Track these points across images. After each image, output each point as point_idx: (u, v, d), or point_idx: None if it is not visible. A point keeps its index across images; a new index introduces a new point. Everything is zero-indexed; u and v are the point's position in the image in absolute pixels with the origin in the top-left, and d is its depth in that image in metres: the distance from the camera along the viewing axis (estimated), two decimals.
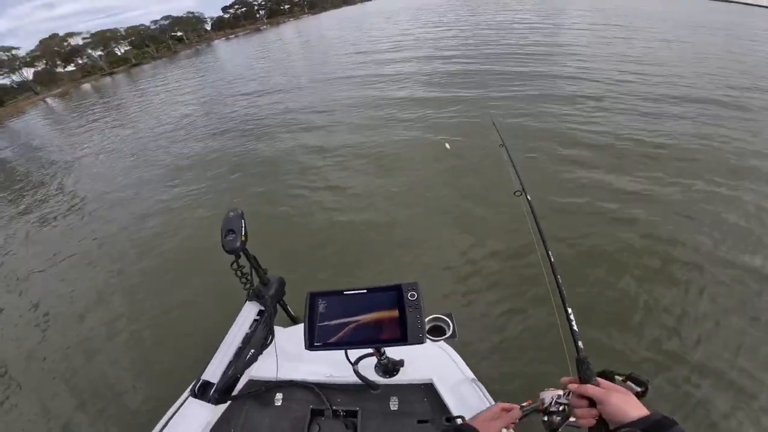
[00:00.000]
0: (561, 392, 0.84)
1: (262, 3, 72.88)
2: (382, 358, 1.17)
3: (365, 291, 1.01)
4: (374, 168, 5.58)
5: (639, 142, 5.27)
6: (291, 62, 17.81)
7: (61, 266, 4.82)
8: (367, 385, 1.19)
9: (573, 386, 0.79)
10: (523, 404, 0.91)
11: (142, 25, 54.33)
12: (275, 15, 71.02)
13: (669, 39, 11.54)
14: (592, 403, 0.74)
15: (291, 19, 66.02)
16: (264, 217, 4.68)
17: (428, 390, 1.25)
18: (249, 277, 1.34)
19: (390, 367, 1.22)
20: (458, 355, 1.37)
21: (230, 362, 1.30)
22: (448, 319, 1.40)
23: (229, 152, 7.35)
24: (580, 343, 0.88)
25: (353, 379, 1.18)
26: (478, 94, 7.96)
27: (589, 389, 0.75)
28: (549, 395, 0.85)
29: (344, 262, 3.68)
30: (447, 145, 5.57)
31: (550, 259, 1.12)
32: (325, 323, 0.99)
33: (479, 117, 6.64)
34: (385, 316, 0.98)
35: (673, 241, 3.43)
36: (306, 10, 74.96)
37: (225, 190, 5.84)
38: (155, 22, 56.05)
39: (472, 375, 1.29)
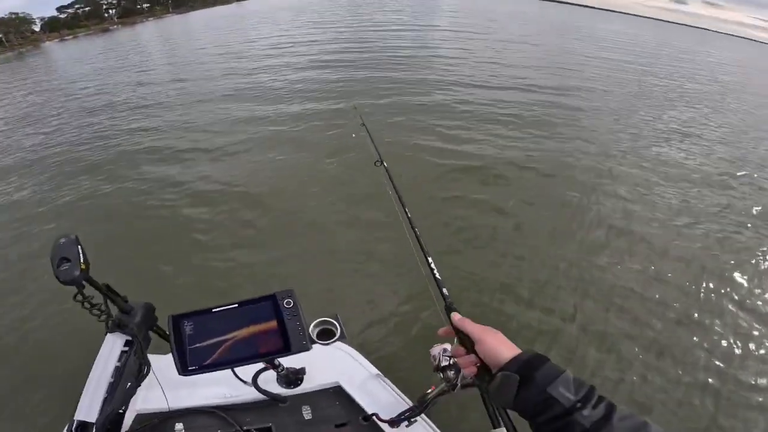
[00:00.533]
0: (448, 345, 0.89)
1: (113, 2, 63.29)
2: (280, 370, 1.15)
3: (236, 305, 0.97)
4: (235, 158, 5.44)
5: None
6: (144, 70, 14.72)
7: None
8: (273, 399, 1.19)
9: (446, 329, 0.79)
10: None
11: None
12: (130, 14, 61.74)
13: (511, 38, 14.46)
14: (469, 351, 0.72)
15: (151, 19, 57.68)
16: (111, 241, 3.97)
17: (338, 393, 1.27)
18: (102, 308, 1.13)
19: (292, 377, 1.22)
20: (358, 353, 1.39)
21: (105, 398, 1.09)
22: (334, 321, 1.44)
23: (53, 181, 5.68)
24: (445, 290, 0.89)
25: (256, 395, 1.18)
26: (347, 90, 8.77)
27: (466, 323, 0.75)
28: (437, 350, 0.94)
29: (214, 272, 3.42)
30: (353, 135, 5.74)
31: (407, 215, 1.20)
32: (197, 345, 0.94)
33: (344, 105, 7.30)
34: (262, 329, 0.96)
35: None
36: (170, 9, 66.77)
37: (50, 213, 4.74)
38: None
39: (376, 371, 1.33)
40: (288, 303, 0.97)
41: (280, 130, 6.47)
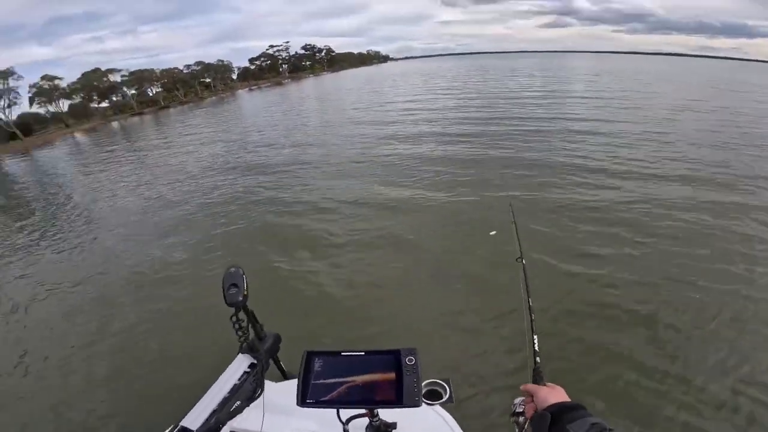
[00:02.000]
0: (523, 397, 1.01)
1: (286, 58, 79.10)
2: (375, 420, 1.17)
3: (363, 353, 1.05)
4: (377, 221, 6.48)
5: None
6: (308, 121, 19.75)
7: (62, 296, 5.50)
8: None
9: (522, 387, 0.99)
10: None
11: (176, 68, 58.35)
12: (297, 71, 77.32)
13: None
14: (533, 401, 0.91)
15: (311, 76, 72.29)
16: (264, 274, 5.19)
17: None
18: (245, 331, 1.40)
19: (382, 429, 1.21)
20: (454, 420, 1.39)
21: (213, 411, 1.31)
22: (445, 384, 1.35)
23: (235, 211, 8.11)
24: (537, 359, 1.12)
25: None
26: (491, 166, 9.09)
27: (529, 386, 0.96)
28: (517, 400, 1.04)
29: (341, 323, 4.15)
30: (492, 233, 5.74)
31: (531, 316, 1.30)
32: (320, 381, 1.02)
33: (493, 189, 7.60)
34: (380, 378, 1.01)
35: None
36: (326, 68, 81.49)
37: (229, 246, 6.46)
38: (188, 66, 60.42)
39: None
40: (410, 360, 1.02)
41: (427, 207, 7.10)
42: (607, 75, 34.47)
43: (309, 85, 48.54)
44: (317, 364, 1.06)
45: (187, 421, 1.29)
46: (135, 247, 6.96)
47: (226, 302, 1.29)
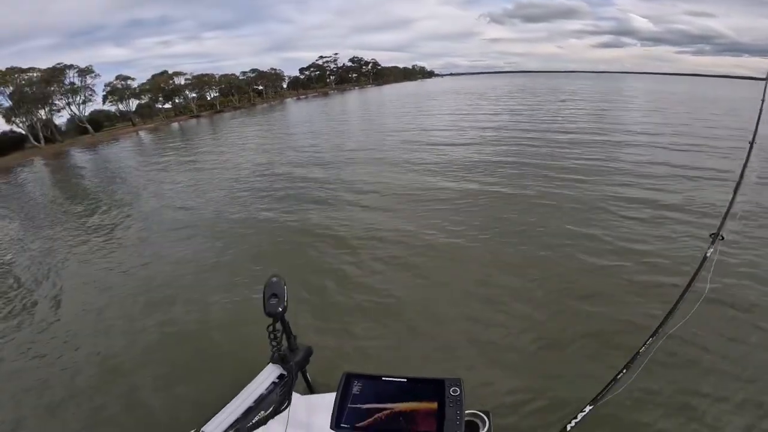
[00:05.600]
0: None
1: (334, 69, 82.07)
2: None
3: (405, 380, 1.02)
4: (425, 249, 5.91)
5: None
6: (351, 135, 20.23)
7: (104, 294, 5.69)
8: None
9: None
10: None
11: (233, 74, 61.46)
12: (343, 82, 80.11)
13: None
14: None
15: (356, 88, 74.77)
16: (304, 286, 5.03)
17: None
18: (279, 341, 1.37)
19: None
20: None
21: (236, 420, 1.30)
22: (485, 416, 1.31)
23: (280, 223, 7.98)
24: None
25: None
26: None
27: None
28: None
29: (378, 343, 3.93)
30: None
31: None
32: (357, 405, 0.99)
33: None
34: (422, 407, 0.98)
35: None
36: (371, 81, 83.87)
37: (265, 255, 6.43)
38: (244, 73, 63.64)
39: None
40: (454, 391, 0.99)
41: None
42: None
43: (351, 98, 50.23)
44: (356, 387, 1.03)
45: (209, 428, 1.28)
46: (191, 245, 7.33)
47: (265, 311, 1.29)
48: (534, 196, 7.96)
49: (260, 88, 64.43)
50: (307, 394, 1.66)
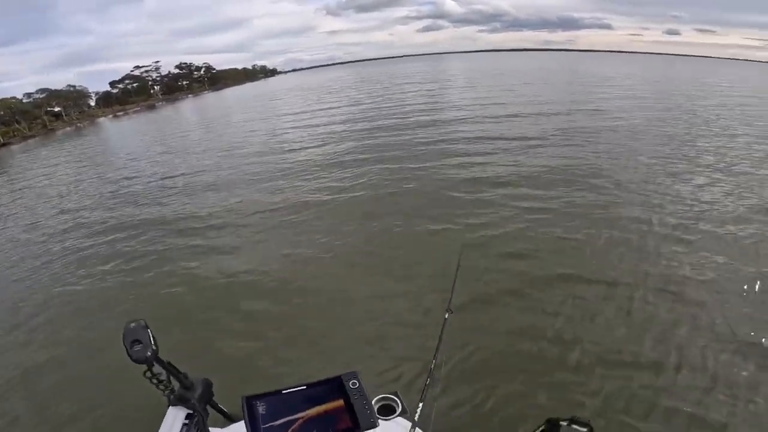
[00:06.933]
0: None
1: (157, 79, 71.62)
2: None
3: (304, 387, 1.05)
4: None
5: None
6: (190, 153, 17.05)
7: None
8: None
9: None
10: None
11: (13, 97, 48.93)
12: (173, 91, 70.22)
13: None
14: None
15: (190, 96, 66.24)
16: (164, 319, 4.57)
17: None
18: (167, 383, 1.31)
19: None
20: (418, 429, 1.42)
21: None
22: (395, 397, 1.40)
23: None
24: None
25: None
26: None
27: None
28: None
29: (273, 357, 3.92)
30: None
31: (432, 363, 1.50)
32: (269, 424, 0.99)
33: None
34: (331, 407, 1.02)
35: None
36: (207, 86, 75.71)
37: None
38: (29, 95, 51.32)
39: None
40: (354, 384, 1.04)
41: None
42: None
43: (186, 107, 44.40)
44: (261, 407, 1.02)
45: None
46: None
47: (132, 360, 1.16)
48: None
49: (57, 110, 51.83)
50: (228, 425, 1.60)
